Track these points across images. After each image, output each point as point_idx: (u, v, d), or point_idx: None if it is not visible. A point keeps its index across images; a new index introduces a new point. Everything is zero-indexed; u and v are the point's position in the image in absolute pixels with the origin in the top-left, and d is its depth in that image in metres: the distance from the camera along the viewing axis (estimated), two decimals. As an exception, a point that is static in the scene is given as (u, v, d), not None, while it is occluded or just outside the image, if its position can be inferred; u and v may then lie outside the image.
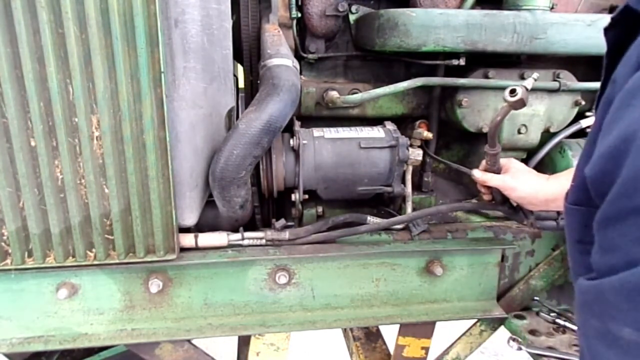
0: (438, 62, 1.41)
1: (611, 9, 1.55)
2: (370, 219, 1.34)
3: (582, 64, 1.55)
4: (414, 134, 1.38)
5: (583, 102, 1.47)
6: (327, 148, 1.32)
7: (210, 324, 1.29)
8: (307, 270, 1.30)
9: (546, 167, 1.57)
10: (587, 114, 1.53)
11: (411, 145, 1.36)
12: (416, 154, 1.34)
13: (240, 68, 1.76)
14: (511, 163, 1.26)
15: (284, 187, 1.37)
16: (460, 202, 1.48)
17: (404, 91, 1.44)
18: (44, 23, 0.94)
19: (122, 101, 1.02)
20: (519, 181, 1.21)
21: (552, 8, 1.36)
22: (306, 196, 1.36)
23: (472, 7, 1.41)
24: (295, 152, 1.31)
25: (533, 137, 1.46)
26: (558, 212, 1.38)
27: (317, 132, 1.36)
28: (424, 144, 1.51)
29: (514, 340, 1.34)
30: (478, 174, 1.27)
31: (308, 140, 1.31)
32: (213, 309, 1.29)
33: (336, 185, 1.35)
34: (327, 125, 1.41)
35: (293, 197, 1.35)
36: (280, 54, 1.25)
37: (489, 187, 1.31)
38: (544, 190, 1.17)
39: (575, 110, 1.49)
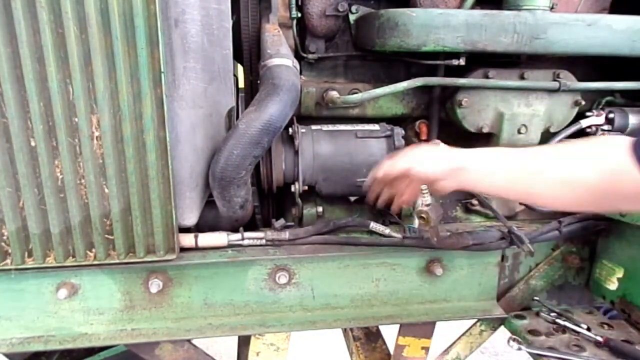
0: (438, 62, 1.41)
1: (611, 9, 1.54)
2: (373, 225, 1.33)
3: (582, 64, 1.55)
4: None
5: (583, 102, 1.47)
6: (324, 138, 1.35)
7: (210, 324, 1.29)
8: (307, 270, 1.30)
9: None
10: (587, 114, 1.53)
11: None
12: None
13: (240, 68, 1.76)
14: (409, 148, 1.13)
15: (283, 181, 1.37)
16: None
17: (403, 91, 1.44)
18: (44, 23, 0.94)
19: (122, 101, 1.02)
20: (416, 158, 1.04)
21: (552, 8, 1.36)
22: (305, 187, 1.36)
23: (472, 7, 1.41)
24: (294, 142, 1.32)
25: (533, 137, 1.46)
26: (560, 222, 1.37)
27: (315, 126, 1.39)
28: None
29: (514, 340, 1.33)
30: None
31: (306, 130, 1.35)
32: (213, 309, 1.29)
33: (335, 177, 1.36)
34: (326, 125, 1.42)
35: (292, 188, 1.36)
36: (280, 54, 1.25)
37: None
38: (446, 158, 1.03)
39: (575, 110, 1.49)
